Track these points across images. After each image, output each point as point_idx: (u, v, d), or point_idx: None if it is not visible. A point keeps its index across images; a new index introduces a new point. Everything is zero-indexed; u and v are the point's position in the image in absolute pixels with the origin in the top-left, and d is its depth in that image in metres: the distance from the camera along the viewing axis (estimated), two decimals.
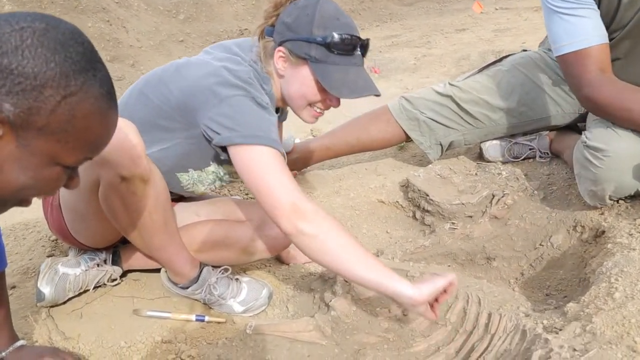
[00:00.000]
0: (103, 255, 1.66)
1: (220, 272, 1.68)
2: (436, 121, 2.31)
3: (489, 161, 2.32)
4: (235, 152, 1.41)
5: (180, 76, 1.50)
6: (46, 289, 1.59)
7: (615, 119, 1.70)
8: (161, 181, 1.47)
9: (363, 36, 1.55)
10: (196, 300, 1.69)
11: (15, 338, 1.37)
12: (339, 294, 1.58)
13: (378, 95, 1.58)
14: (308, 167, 2.49)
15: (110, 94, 0.90)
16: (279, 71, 1.55)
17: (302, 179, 2.41)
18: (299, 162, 2.38)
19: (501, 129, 2.29)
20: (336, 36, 1.48)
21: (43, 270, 1.61)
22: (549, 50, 2.27)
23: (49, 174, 0.89)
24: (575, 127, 2.28)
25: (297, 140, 2.46)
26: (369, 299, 1.56)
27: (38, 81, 0.81)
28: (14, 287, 1.73)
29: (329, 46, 1.48)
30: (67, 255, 1.73)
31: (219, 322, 1.64)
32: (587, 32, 1.73)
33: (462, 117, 2.29)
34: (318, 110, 1.62)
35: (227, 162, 1.52)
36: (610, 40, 1.77)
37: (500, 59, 2.38)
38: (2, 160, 0.84)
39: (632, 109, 1.65)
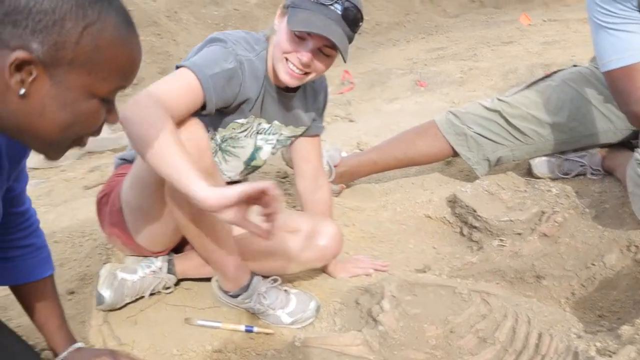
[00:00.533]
0: (159, 263, 1.71)
1: (269, 281, 1.71)
2: (484, 136, 2.30)
3: (538, 177, 2.30)
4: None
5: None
6: (106, 293, 1.65)
7: None
8: (221, 178, 1.54)
9: (352, 2, 1.54)
10: (245, 309, 1.72)
11: (72, 340, 1.42)
12: (386, 308, 1.59)
13: (334, 48, 1.54)
14: (355, 181, 2.50)
15: (128, 22, 0.94)
16: (274, 27, 1.61)
17: (349, 192, 2.44)
18: (346, 175, 2.40)
19: (551, 145, 2.27)
20: None
21: (103, 275, 1.67)
22: None
23: (87, 108, 0.93)
24: (628, 144, 2.24)
25: (344, 154, 2.48)
26: (416, 315, 1.56)
27: (57, 15, 0.84)
28: (72, 292, 1.80)
29: None
30: (124, 263, 1.79)
31: (267, 334, 1.67)
32: (635, 47, 1.72)
33: (510, 133, 2.27)
34: (291, 67, 1.58)
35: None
36: None
37: (550, 74, 2.36)
38: (41, 101, 0.89)
39: None
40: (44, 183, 3.04)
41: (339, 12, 1.52)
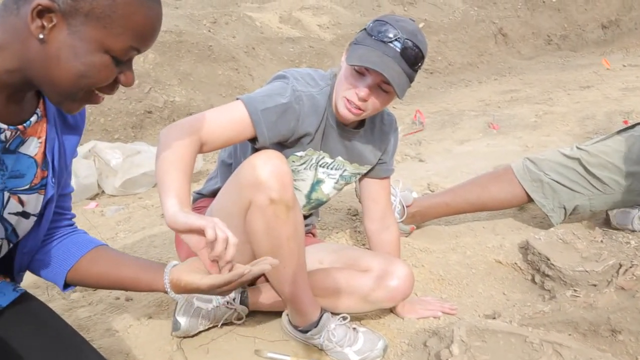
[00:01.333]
0: (233, 294, 1.77)
1: (339, 319, 1.73)
2: (561, 184, 2.27)
3: (616, 229, 2.24)
4: None
5: None
6: (182, 320, 1.72)
7: None
8: (300, 213, 1.59)
9: (412, 40, 1.55)
10: (314, 345, 1.75)
11: (163, 265, 1.30)
12: (455, 353, 1.58)
13: (389, 83, 1.54)
14: (425, 222, 2.51)
15: None
16: (341, 65, 1.65)
17: (418, 233, 2.44)
18: (417, 216, 2.41)
19: (632, 196, 2.21)
20: (375, 20, 1.57)
21: (180, 302, 1.74)
22: None
23: (99, 61, 0.99)
24: None
25: (415, 195, 2.49)
26: None
27: None
28: (150, 317, 1.88)
29: (367, 29, 1.58)
30: None
31: None
32: None
33: (589, 182, 2.23)
34: (349, 99, 1.61)
35: None
36: None
37: (633, 126, 2.31)
38: (58, 48, 0.96)
39: None
40: (123, 209, 3.20)
41: (398, 50, 1.54)
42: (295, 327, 1.73)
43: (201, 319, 1.74)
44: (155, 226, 2.81)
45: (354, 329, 1.74)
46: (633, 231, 2.20)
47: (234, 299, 1.77)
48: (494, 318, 1.91)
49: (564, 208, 2.30)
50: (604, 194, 2.23)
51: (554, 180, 2.28)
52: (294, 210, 1.52)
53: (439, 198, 2.43)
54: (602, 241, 2.14)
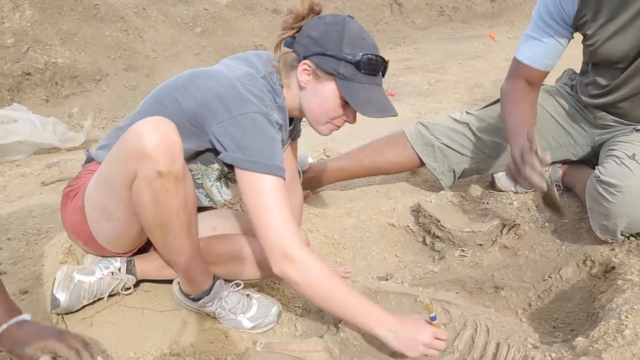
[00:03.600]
0: (118, 264, 1.67)
1: (232, 286, 1.69)
2: (451, 148, 2.33)
3: (500, 190, 2.34)
4: (240, 174, 1.46)
5: (194, 86, 1.53)
6: (62, 296, 1.60)
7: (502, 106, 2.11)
8: (191, 184, 1.51)
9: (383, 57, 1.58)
10: (206, 313, 1.70)
11: (16, 311, 1.20)
12: None
13: (396, 115, 1.62)
14: (322, 187, 2.50)
15: None
16: (300, 83, 1.58)
17: (315, 198, 2.43)
18: (314, 182, 2.40)
19: None
20: (366, 56, 1.52)
21: (59, 277, 1.62)
22: (565, 84, 2.31)
23: None
24: (588, 161, 2.30)
25: (311, 160, 2.48)
26: None
27: None
28: (26, 292, 1.74)
29: (358, 65, 1.52)
30: (80, 264, 1.74)
31: None
32: (539, 54, 2.02)
33: (476, 146, 2.31)
34: (338, 125, 1.65)
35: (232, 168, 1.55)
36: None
37: None
38: None
39: (506, 107, 2.07)
40: None
41: (381, 74, 1.59)
42: (187, 296, 1.67)
43: (83, 293, 1.62)
44: (34, 195, 2.62)
45: (248, 295, 1.71)
46: (516, 193, 2.31)
47: (119, 269, 1.67)
48: (387, 279, 1.95)
49: (453, 171, 2.37)
50: (490, 158, 2.32)
51: (444, 145, 2.34)
52: (183, 182, 1.44)
53: (334, 163, 2.43)
54: (488, 203, 2.23)
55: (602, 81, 2.02)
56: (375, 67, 1.54)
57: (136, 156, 1.38)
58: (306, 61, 1.55)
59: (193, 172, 1.65)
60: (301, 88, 1.60)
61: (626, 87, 1.93)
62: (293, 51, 1.58)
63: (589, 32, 1.91)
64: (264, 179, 1.44)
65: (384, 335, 1.40)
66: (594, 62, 2.04)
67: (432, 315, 1.45)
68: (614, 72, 1.95)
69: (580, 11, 1.89)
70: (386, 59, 1.59)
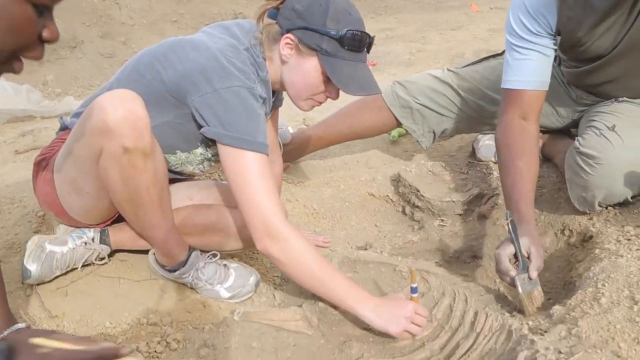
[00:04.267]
0: (91, 234, 1.64)
1: (208, 257, 1.67)
2: (430, 109, 2.28)
3: (480, 160, 2.33)
4: (223, 150, 1.45)
5: (175, 55, 1.49)
6: (32, 267, 1.56)
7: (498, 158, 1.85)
8: (161, 157, 1.47)
9: (370, 33, 1.55)
10: (183, 284, 1.68)
11: (12, 320, 1.24)
12: None
13: (379, 93, 1.60)
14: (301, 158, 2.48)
15: None
16: (283, 57, 1.54)
17: (294, 168, 2.41)
18: (294, 153, 2.36)
19: (493, 121, 2.28)
20: (350, 32, 1.48)
21: (29, 248, 1.58)
22: None
23: (19, 13, 0.82)
24: (568, 132, 2.29)
25: (290, 130, 2.44)
26: None
27: None
28: None
29: (341, 41, 1.48)
30: (54, 232, 1.71)
31: None
32: (526, 74, 1.81)
33: (457, 106, 2.27)
34: (320, 101, 1.62)
35: (214, 144, 1.51)
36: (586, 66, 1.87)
37: (501, 53, 2.36)
38: None
39: (502, 162, 1.82)
40: None
41: (366, 50, 1.54)
42: (163, 267, 1.65)
43: (56, 263, 1.58)
44: (7, 163, 2.56)
45: (225, 265, 1.69)
46: (496, 163, 2.30)
47: (92, 239, 1.64)
48: (366, 249, 1.95)
49: (433, 132, 2.33)
50: (470, 118, 2.29)
51: (423, 106, 2.29)
52: (152, 156, 1.40)
53: (312, 131, 2.39)
54: (467, 172, 2.23)
55: (580, 65, 1.97)
56: (360, 43, 1.50)
57: (101, 132, 1.34)
58: (289, 35, 1.51)
59: (171, 165, 1.62)
60: (283, 62, 1.56)
61: (606, 71, 1.87)
62: (276, 23, 1.54)
63: (579, 34, 1.83)
64: (248, 155, 1.43)
65: (366, 315, 1.41)
66: (580, 58, 1.92)
67: (414, 285, 1.44)
68: (592, 60, 1.90)
69: (562, 17, 1.77)
70: (371, 34, 1.55)
